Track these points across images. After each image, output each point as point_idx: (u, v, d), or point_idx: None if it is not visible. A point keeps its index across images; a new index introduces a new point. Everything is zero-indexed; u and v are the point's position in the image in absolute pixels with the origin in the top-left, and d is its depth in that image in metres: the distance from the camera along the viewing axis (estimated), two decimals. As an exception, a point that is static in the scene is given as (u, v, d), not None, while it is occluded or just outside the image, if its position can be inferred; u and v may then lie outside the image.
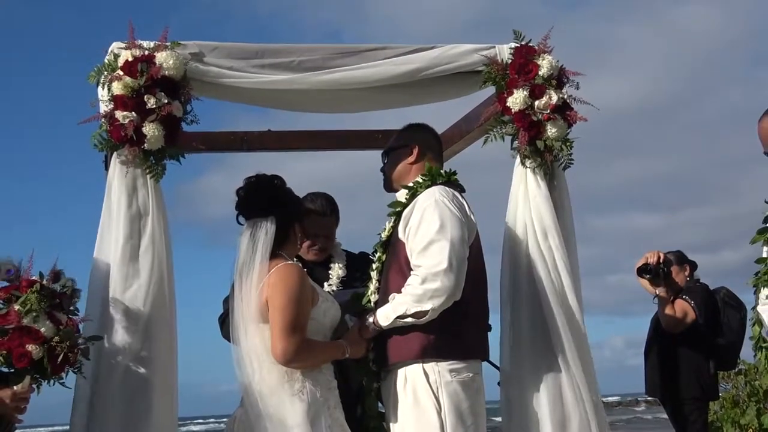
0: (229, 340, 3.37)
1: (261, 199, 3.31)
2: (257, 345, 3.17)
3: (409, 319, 3.24)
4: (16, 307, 2.94)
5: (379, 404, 3.59)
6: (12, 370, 2.94)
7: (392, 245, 3.45)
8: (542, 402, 3.55)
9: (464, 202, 3.42)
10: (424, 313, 3.21)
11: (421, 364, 3.27)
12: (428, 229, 3.25)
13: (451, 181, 3.49)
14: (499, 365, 3.69)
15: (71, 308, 3.10)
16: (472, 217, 3.40)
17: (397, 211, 3.47)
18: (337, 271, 4.06)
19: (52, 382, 3.00)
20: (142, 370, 3.29)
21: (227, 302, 3.77)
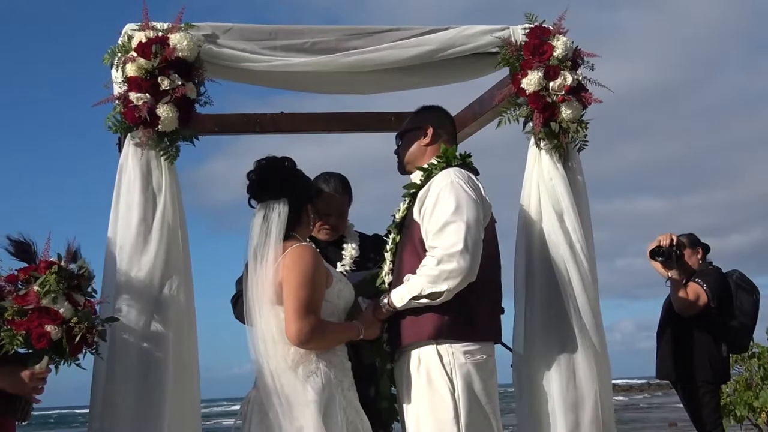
0: (242, 321, 3.38)
1: (272, 181, 3.31)
2: (271, 327, 3.18)
3: (424, 300, 3.24)
4: (35, 288, 2.96)
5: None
6: (30, 351, 2.96)
7: (407, 226, 3.44)
8: (554, 384, 3.55)
9: (479, 184, 3.41)
10: (440, 294, 3.21)
11: (435, 346, 3.27)
12: (444, 211, 3.25)
13: (465, 163, 3.49)
14: (512, 347, 3.70)
15: (89, 290, 3.11)
16: (487, 198, 3.40)
17: (412, 193, 3.46)
18: (350, 251, 4.06)
19: (69, 363, 3.02)
20: (157, 351, 3.28)
21: (240, 283, 3.78)
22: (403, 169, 3.66)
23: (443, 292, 3.20)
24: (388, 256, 3.54)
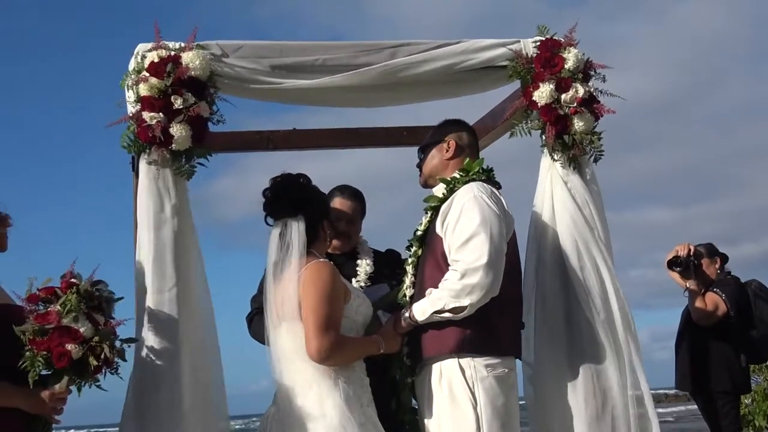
0: (257, 339, 3.36)
1: (289, 198, 3.30)
2: (291, 343, 3.16)
3: (447, 314, 3.22)
4: (57, 307, 2.96)
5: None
6: (51, 372, 2.96)
7: (429, 240, 3.42)
8: (569, 397, 3.53)
9: (501, 199, 3.39)
10: (463, 308, 3.19)
11: (456, 359, 3.25)
12: (467, 225, 3.23)
13: (488, 177, 3.47)
14: (527, 361, 3.67)
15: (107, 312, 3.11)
16: (509, 212, 3.38)
17: (434, 206, 3.45)
18: (364, 267, 4.04)
19: (89, 384, 3.02)
20: (179, 370, 3.26)
21: (255, 301, 3.77)
22: (425, 183, 3.64)
23: (466, 306, 3.18)
24: (409, 269, 3.52)
